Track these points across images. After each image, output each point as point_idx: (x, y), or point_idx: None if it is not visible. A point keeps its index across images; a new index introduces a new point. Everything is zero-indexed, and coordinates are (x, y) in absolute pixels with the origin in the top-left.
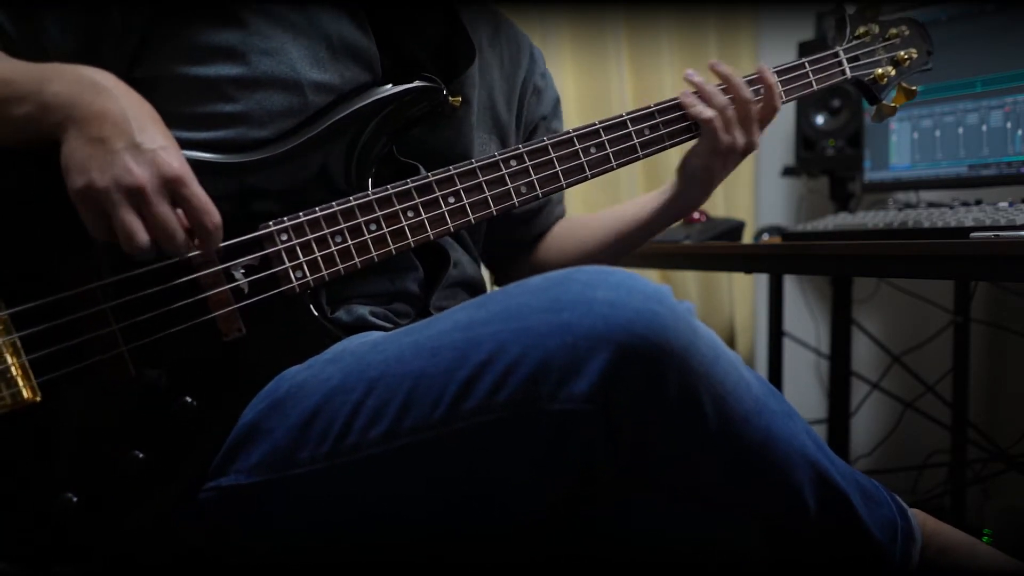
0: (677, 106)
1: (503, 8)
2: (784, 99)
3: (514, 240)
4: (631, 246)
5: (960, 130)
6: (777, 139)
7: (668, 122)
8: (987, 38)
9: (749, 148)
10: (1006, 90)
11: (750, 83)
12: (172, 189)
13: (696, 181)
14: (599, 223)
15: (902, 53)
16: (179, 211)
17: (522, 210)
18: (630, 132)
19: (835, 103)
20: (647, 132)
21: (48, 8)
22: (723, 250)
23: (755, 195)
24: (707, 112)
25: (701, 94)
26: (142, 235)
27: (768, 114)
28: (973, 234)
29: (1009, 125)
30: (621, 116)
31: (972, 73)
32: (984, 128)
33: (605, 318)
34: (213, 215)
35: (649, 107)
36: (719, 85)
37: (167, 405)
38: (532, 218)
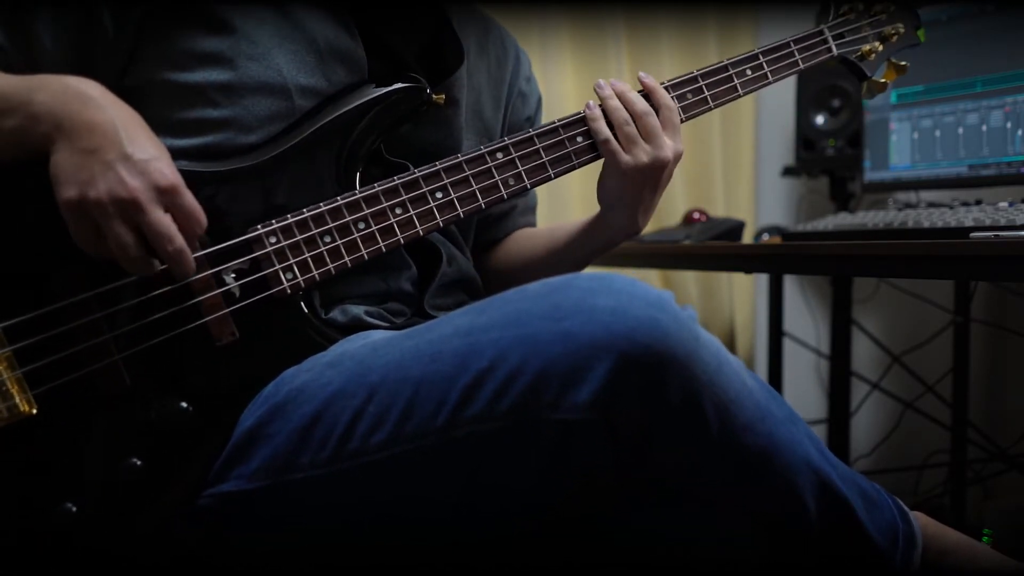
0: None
1: (503, 8)
2: (771, 79)
3: (479, 243)
4: (564, 267)
5: (960, 130)
6: (777, 139)
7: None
8: (987, 38)
9: (660, 162)
10: (1006, 90)
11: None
12: (164, 199)
13: (616, 208)
14: (541, 238)
15: (888, 28)
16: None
17: (487, 214)
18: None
19: (835, 103)
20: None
21: (40, 18)
22: (723, 250)
23: (755, 195)
24: (604, 133)
25: (605, 110)
26: (135, 248)
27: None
28: (973, 234)
29: (1009, 125)
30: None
31: (972, 73)
32: (984, 128)
33: (607, 326)
34: (202, 221)
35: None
36: (640, 91)
37: (164, 412)
38: (497, 222)
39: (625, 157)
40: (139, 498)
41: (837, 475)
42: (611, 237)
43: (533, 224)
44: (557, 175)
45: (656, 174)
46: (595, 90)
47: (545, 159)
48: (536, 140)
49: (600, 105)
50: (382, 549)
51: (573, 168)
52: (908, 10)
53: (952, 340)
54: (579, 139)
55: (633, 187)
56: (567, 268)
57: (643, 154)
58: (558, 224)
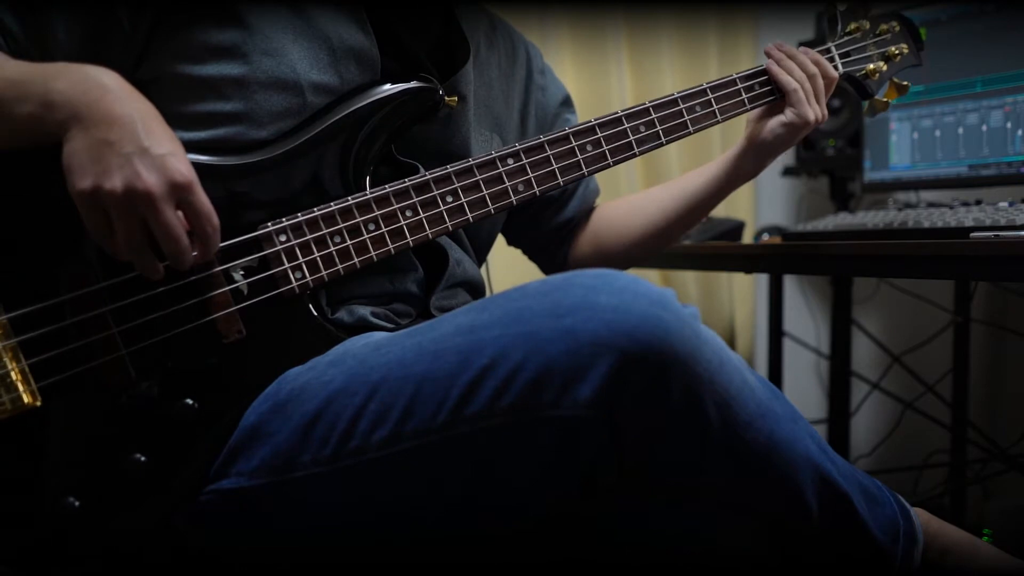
0: (674, 102)
1: (503, 8)
2: (778, 95)
3: (553, 226)
4: (694, 221)
5: (960, 130)
6: None
7: (664, 119)
8: (987, 38)
9: (820, 121)
10: (1006, 90)
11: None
12: (178, 195)
13: (770, 150)
14: (663, 198)
15: (893, 49)
16: (179, 213)
17: (568, 188)
18: (625, 129)
19: (835, 103)
20: (642, 129)
21: (55, 9)
22: (723, 250)
23: (755, 195)
24: (792, 84)
25: (785, 65)
26: (141, 242)
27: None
28: (973, 234)
29: (1009, 125)
30: (616, 113)
31: (972, 73)
32: (984, 128)
33: (609, 324)
34: (213, 219)
35: (645, 104)
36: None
37: (168, 408)
38: (573, 196)
39: (807, 108)
40: (141, 493)
41: (838, 472)
42: (742, 179)
43: (598, 189)
44: (567, 183)
45: (808, 131)
46: (771, 50)
47: (555, 166)
48: (547, 147)
49: (778, 62)
50: (383, 546)
51: (582, 176)
52: (911, 31)
53: (952, 340)
54: (589, 148)
55: (793, 138)
56: (695, 223)
57: (816, 111)
58: (672, 182)
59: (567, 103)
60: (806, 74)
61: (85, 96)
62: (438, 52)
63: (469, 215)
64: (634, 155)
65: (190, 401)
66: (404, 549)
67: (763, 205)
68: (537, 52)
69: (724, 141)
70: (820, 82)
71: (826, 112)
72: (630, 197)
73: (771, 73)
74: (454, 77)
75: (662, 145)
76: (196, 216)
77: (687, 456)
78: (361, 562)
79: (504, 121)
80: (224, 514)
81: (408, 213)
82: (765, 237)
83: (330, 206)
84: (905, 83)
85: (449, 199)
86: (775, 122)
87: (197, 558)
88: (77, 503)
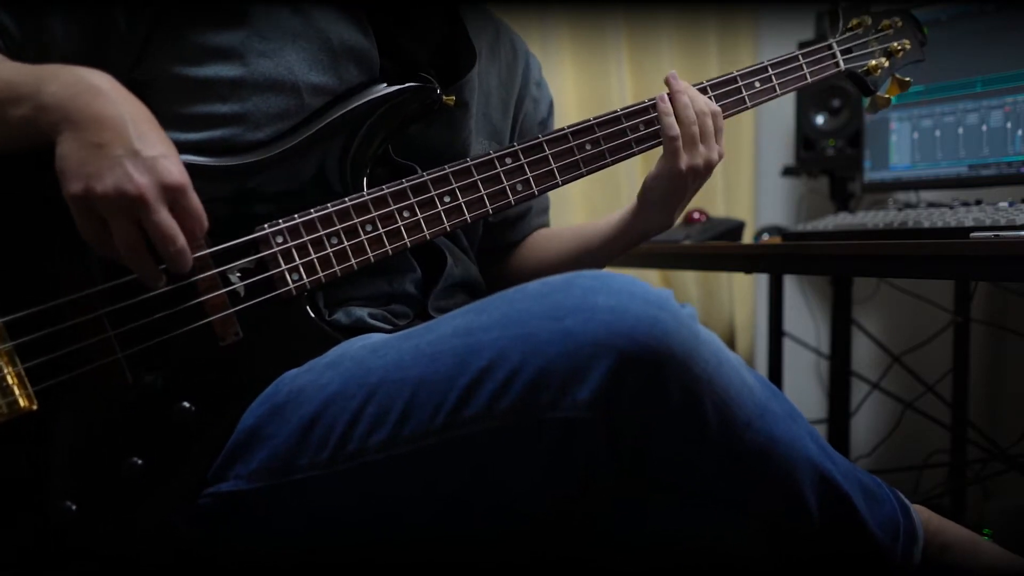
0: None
1: (503, 8)
2: (779, 92)
3: (494, 246)
4: (594, 264)
5: (960, 130)
6: (777, 139)
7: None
8: (987, 38)
9: (711, 164)
10: (1006, 90)
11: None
12: (171, 197)
13: (659, 206)
14: (567, 237)
15: (895, 44)
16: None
17: (503, 217)
18: (624, 128)
19: (835, 103)
20: (641, 128)
21: (52, 9)
22: (723, 250)
23: (755, 195)
24: (675, 129)
25: (678, 101)
26: (138, 245)
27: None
28: (973, 234)
29: (1009, 125)
30: (615, 112)
31: (972, 73)
32: (984, 128)
33: (607, 325)
34: (203, 222)
35: (643, 103)
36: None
37: (165, 411)
38: (514, 224)
39: (685, 157)
40: (139, 497)
41: (838, 470)
42: (645, 232)
43: (548, 224)
44: (565, 182)
45: (705, 175)
46: (668, 82)
47: (554, 166)
48: (545, 147)
49: (671, 98)
50: (382, 549)
51: (581, 175)
52: (915, 26)
53: (952, 340)
54: (587, 147)
55: (682, 186)
56: (597, 264)
57: (699, 157)
58: (585, 223)
59: (550, 111)
60: (689, 118)
61: (77, 99)
62: (442, 57)
63: (467, 215)
64: (633, 154)
65: (187, 404)
66: (402, 551)
67: (763, 205)
68: (536, 64)
69: (725, 140)
70: (711, 122)
71: (713, 155)
72: (553, 229)
73: (658, 112)
74: (457, 84)
75: (660, 144)
76: (187, 219)
77: (686, 456)
78: (359, 564)
79: (501, 131)
80: (222, 517)
81: (406, 214)
82: (765, 237)
83: (327, 207)
84: (908, 79)
85: (447, 199)
86: (649, 175)
87: (196, 562)
88: (74, 507)
